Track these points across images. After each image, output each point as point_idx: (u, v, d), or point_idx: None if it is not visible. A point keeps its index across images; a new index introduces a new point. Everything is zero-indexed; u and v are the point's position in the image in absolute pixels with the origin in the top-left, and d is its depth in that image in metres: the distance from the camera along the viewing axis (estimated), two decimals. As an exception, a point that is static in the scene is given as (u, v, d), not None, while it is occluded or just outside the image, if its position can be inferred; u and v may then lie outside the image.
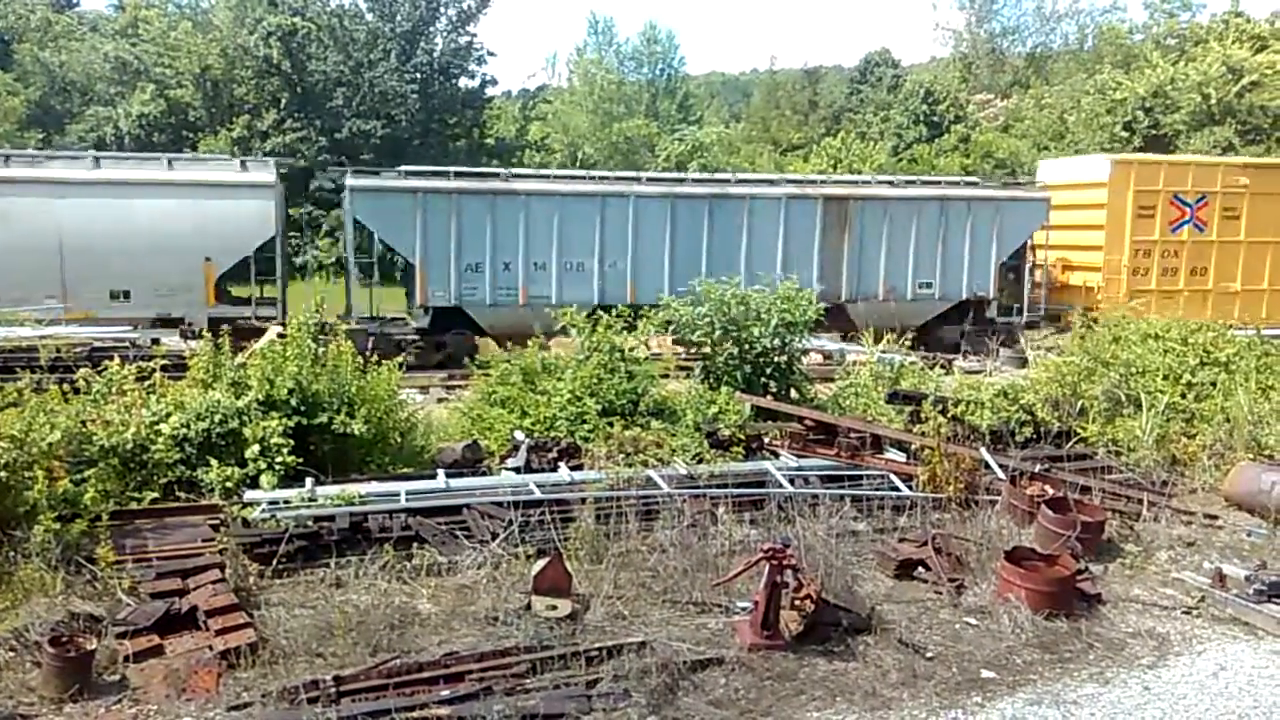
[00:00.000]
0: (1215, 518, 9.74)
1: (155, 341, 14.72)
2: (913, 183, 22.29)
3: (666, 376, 12.52)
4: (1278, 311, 22.51)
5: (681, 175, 22.48)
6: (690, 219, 19.48)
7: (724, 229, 19.66)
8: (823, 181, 21.91)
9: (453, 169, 20.26)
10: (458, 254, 18.39)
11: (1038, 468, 10.04)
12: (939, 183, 22.84)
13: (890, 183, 21.83)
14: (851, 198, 20.61)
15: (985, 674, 6.50)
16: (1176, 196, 22.01)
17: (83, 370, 9.90)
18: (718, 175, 22.23)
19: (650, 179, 20.55)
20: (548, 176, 20.08)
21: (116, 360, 9.95)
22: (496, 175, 19.75)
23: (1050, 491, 9.16)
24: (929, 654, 6.70)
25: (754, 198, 19.96)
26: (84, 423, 8.80)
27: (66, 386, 9.65)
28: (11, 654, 6.09)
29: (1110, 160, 22.68)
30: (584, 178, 20.31)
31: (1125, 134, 34.53)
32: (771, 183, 21.16)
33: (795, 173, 35.46)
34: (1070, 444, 11.49)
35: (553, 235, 18.78)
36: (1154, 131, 34.31)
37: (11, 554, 7.12)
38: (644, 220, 19.25)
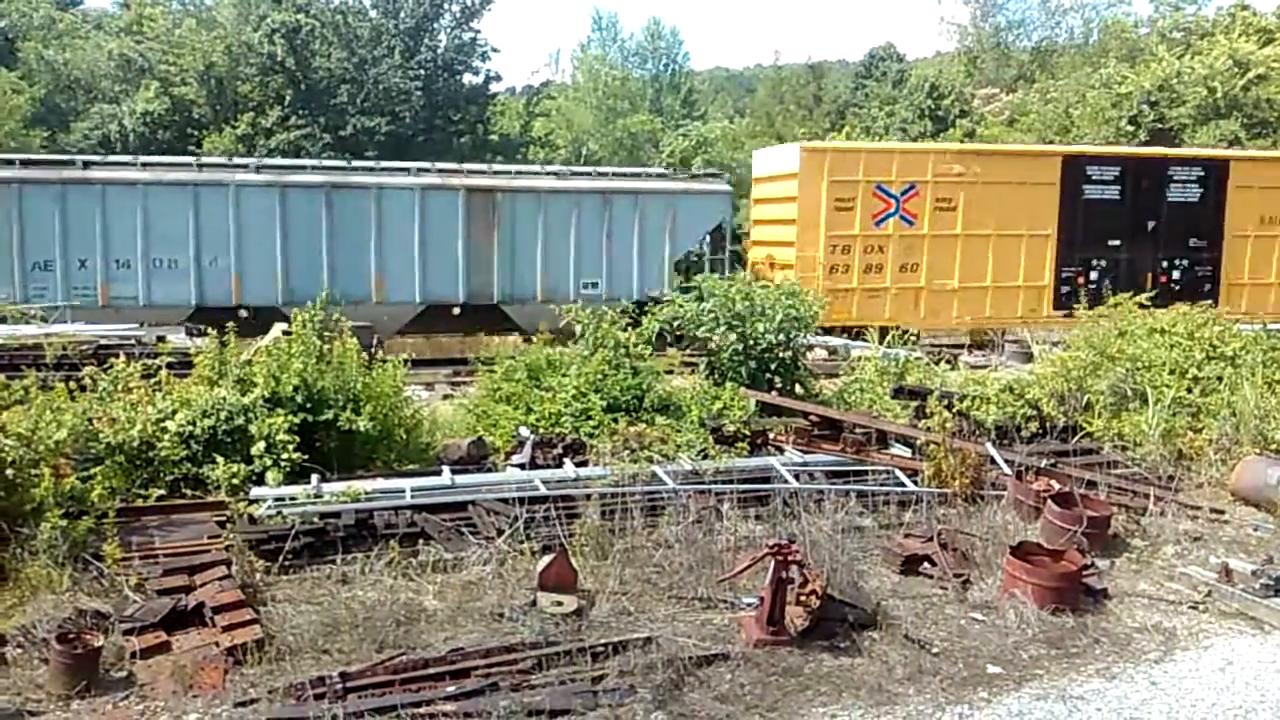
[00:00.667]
0: (1221, 512, 9.71)
1: (161, 339, 14.74)
2: (579, 174, 20.63)
3: (671, 372, 12.53)
4: (1002, 310, 20.54)
5: (301, 162, 20.44)
6: (306, 211, 17.88)
7: (349, 222, 18.10)
8: (468, 171, 19.86)
9: (18, 156, 18.47)
10: (22, 251, 16.82)
11: (1043, 463, 10.03)
12: (606, 174, 20.96)
13: (555, 174, 20.17)
14: (499, 189, 19.03)
15: (991, 669, 6.50)
16: (879, 187, 19.79)
17: (88, 368, 9.93)
18: (342, 163, 20.21)
19: (260, 166, 18.73)
20: (134, 164, 18.17)
21: (122, 358, 9.98)
22: (71, 163, 18.02)
23: (1056, 486, 9.15)
24: (935, 649, 6.70)
25: (383, 188, 18.34)
26: (90, 420, 8.83)
27: (72, 384, 9.69)
28: (19, 651, 6.11)
29: (800, 148, 20.46)
30: (177, 165, 18.50)
31: (1131, 128, 34.41)
32: (407, 171, 19.30)
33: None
34: (1076, 439, 11.46)
35: (137, 229, 17.20)
36: (1160, 125, 34.19)
37: (19, 551, 7.15)
38: (249, 212, 17.67)
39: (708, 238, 20.26)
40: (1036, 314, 20.48)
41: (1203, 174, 21.59)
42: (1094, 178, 21.07)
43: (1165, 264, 21.52)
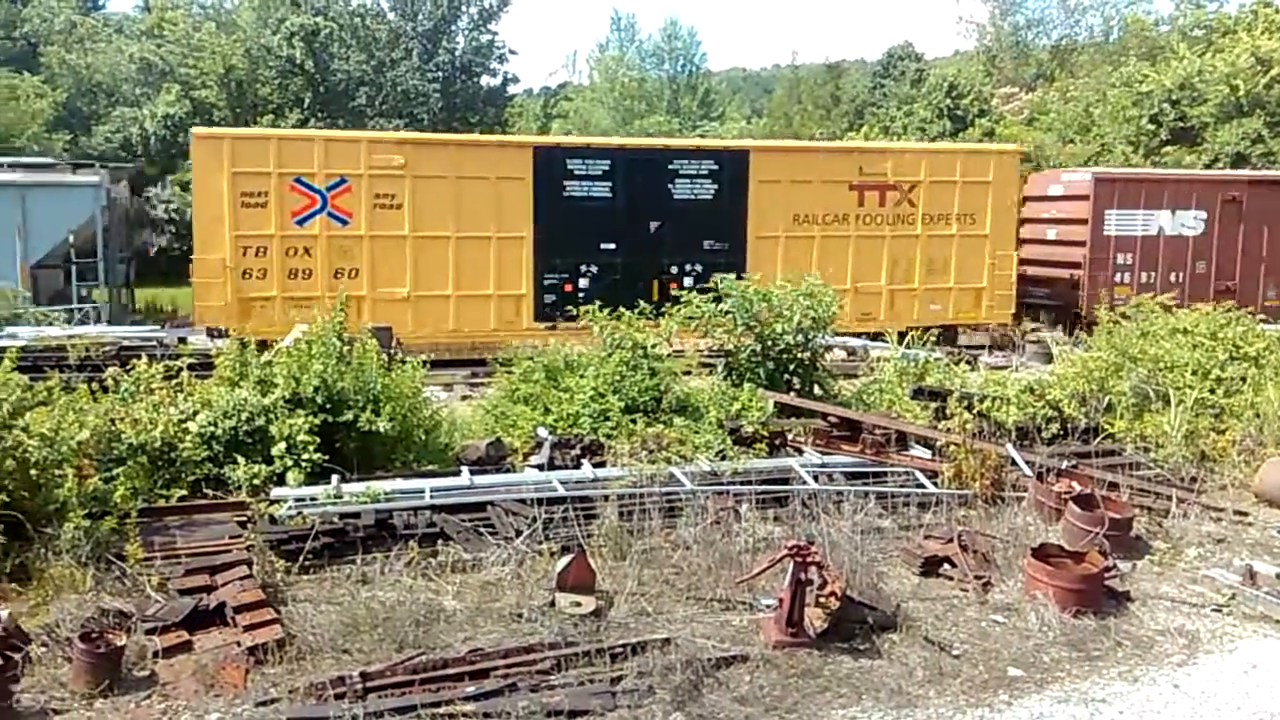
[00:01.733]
0: (1245, 514, 9.63)
1: (182, 340, 14.87)
2: None
3: (689, 373, 12.52)
4: (472, 322, 17.83)
5: None
6: None
7: None
8: None
9: None
10: None
11: (1065, 464, 9.96)
12: None
13: None
14: None
15: (1012, 672, 6.46)
16: (299, 180, 16.90)
17: (111, 369, 10.01)
18: None
19: None
20: None
21: (144, 359, 10.06)
22: None
23: (1077, 488, 9.08)
24: (955, 652, 6.67)
25: None
26: (113, 421, 8.89)
27: (95, 385, 9.76)
28: (43, 649, 6.16)
29: (194, 135, 17.44)
30: None
31: (1152, 127, 34.16)
32: None
33: None
34: (1097, 440, 11.38)
35: None
36: (1181, 124, 33.92)
37: (43, 551, 7.21)
38: None
39: (71, 236, 17.65)
40: (515, 326, 18.05)
41: (716, 167, 18.84)
42: (577, 173, 18.31)
43: (673, 270, 18.74)
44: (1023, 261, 21.24)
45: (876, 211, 19.55)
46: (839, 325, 16.38)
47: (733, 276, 13.20)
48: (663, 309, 13.37)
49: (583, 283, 18.40)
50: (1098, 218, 20.96)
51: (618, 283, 18.21)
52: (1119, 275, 21.03)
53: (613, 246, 18.49)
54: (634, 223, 18.58)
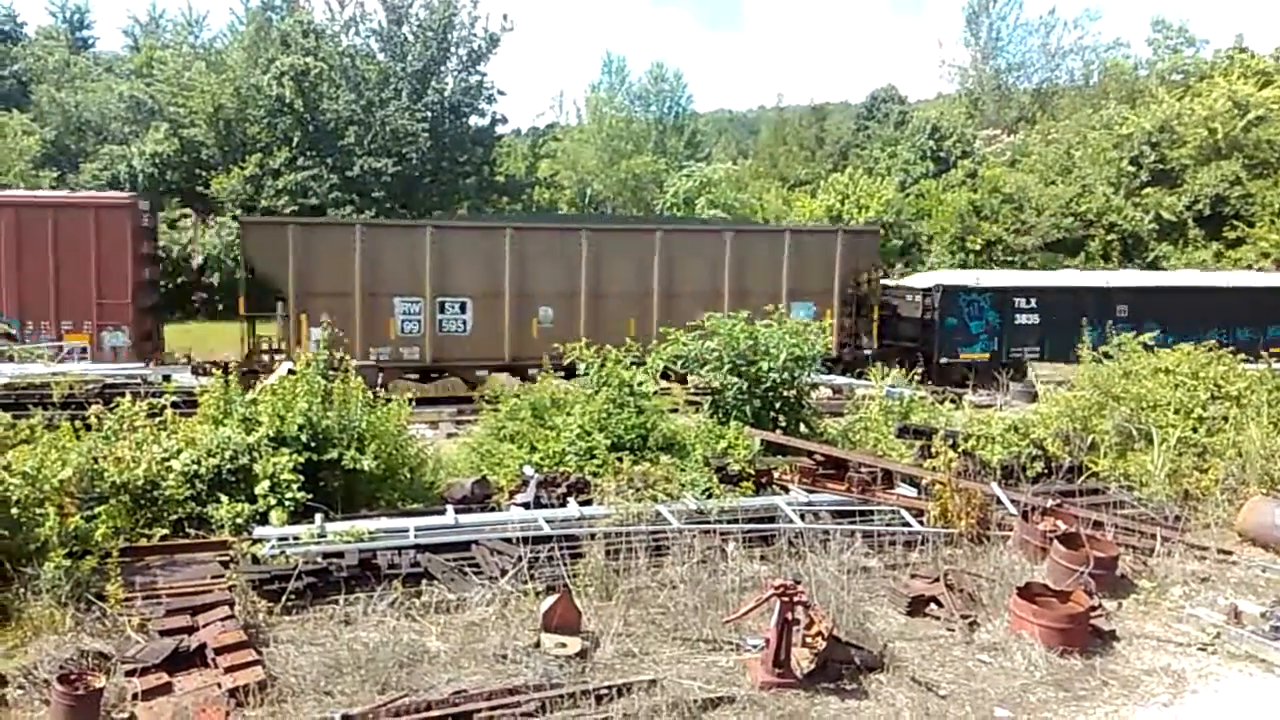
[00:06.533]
0: (1229, 553, 9.65)
1: (167, 378, 14.80)
2: None
3: (675, 411, 12.52)
4: None
5: None
6: None
7: None
8: None
9: None
10: None
11: (1050, 503, 9.98)
12: None
13: None
14: None
15: (999, 712, 6.43)
16: None
17: (95, 407, 9.96)
18: None
19: None
20: None
21: (128, 397, 10.01)
22: None
23: (1062, 527, 9.10)
24: (942, 692, 6.64)
25: None
26: (96, 459, 8.83)
27: (79, 423, 9.71)
28: (20, 692, 6.09)
29: None
30: None
31: (1132, 169, 34.65)
32: None
33: (802, 208, 35.41)
34: (1082, 479, 11.42)
35: None
36: (1161, 166, 34.42)
37: (22, 591, 7.13)
38: None
39: None
40: None
41: None
42: None
43: None
44: None
45: None
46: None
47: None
48: (648, 346, 13.41)
49: None
50: None
51: None
52: None
53: None
54: None
